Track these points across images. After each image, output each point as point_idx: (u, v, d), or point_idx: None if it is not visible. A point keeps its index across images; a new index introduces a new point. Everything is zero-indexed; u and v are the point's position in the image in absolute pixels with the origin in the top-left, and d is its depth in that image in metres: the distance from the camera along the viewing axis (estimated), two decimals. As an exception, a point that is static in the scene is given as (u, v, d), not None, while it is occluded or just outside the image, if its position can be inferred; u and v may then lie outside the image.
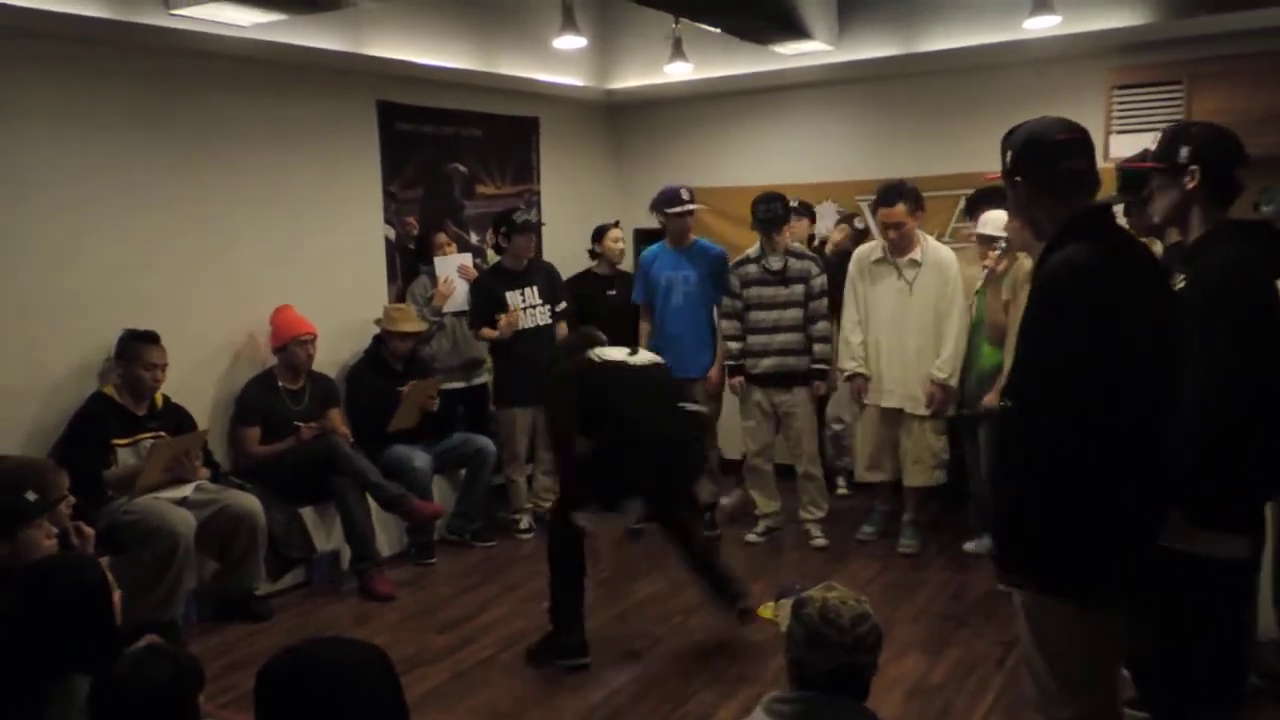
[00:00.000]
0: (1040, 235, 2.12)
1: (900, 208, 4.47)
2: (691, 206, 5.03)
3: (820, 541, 4.85)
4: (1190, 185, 2.31)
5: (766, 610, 4.02)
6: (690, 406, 3.73)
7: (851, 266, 4.77)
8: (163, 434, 4.07)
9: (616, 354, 3.70)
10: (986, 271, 4.38)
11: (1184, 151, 2.32)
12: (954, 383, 4.51)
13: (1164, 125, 2.55)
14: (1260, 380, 2.21)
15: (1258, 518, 2.31)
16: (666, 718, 3.31)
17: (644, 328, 5.18)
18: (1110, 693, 2.13)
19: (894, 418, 4.71)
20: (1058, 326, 1.96)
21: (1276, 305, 2.29)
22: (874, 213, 4.79)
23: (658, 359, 3.85)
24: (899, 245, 4.55)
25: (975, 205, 4.74)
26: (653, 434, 3.54)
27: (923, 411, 4.57)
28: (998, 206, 4.49)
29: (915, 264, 4.55)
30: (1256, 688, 2.97)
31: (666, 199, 5.05)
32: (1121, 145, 4.73)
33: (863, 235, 5.54)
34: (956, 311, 4.50)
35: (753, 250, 4.91)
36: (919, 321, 4.55)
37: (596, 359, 3.64)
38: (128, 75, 4.24)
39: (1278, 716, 3.06)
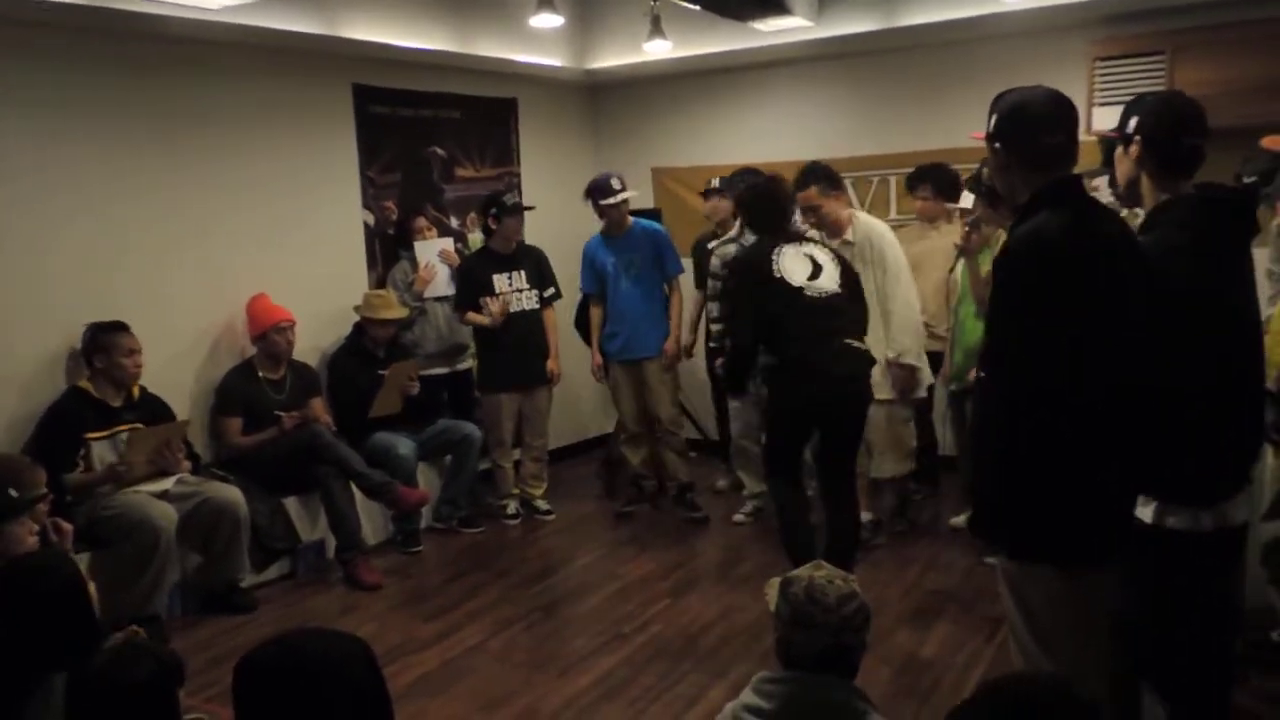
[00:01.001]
0: (1013, 201, 2.12)
1: (813, 190, 4.23)
2: (624, 195, 4.98)
3: (808, 520, 4.83)
4: (1134, 154, 2.29)
5: (755, 590, 4.02)
6: (856, 344, 3.71)
7: None
8: (140, 426, 4.02)
9: (799, 273, 3.65)
10: (959, 251, 4.35)
11: (1132, 122, 2.30)
12: (910, 359, 4.31)
13: (1145, 97, 2.51)
14: (1215, 362, 2.19)
15: (1233, 490, 2.29)
16: (656, 700, 3.30)
17: (595, 315, 5.17)
18: (1097, 657, 2.12)
19: None
20: (1022, 297, 1.98)
21: (1224, 284, 2.25)
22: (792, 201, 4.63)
23: (839, 291, 3.73)
24: (826, 230, 4.31)
25: (914, 182, 4.85)
26: (820, 363, 3.58)
27: (886, 395, 4.33)
28: (934, 184, 4.70)
29: (849, 245, 4.30)
30: (1243, 654, 2.98)
31: (599, 190, 4.98)
32: (1103, 118, 4.70)
33: None
34: (897, 284, 4.28)
35: (734, 230, 4.87)
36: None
37: (776, 274, 3.63)
38: (98, 60, 4.15)
39: (1265, 682, 3.09)
